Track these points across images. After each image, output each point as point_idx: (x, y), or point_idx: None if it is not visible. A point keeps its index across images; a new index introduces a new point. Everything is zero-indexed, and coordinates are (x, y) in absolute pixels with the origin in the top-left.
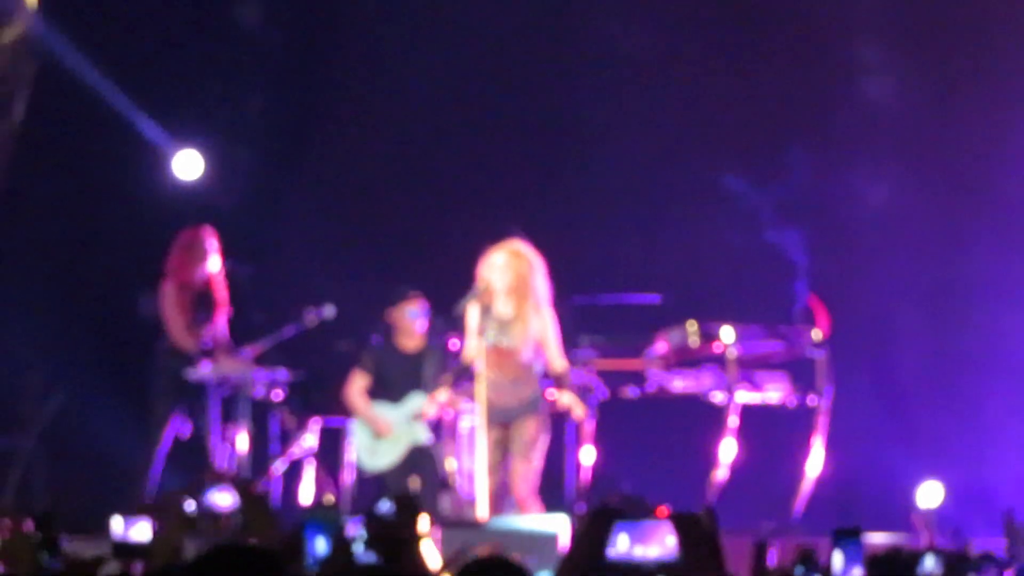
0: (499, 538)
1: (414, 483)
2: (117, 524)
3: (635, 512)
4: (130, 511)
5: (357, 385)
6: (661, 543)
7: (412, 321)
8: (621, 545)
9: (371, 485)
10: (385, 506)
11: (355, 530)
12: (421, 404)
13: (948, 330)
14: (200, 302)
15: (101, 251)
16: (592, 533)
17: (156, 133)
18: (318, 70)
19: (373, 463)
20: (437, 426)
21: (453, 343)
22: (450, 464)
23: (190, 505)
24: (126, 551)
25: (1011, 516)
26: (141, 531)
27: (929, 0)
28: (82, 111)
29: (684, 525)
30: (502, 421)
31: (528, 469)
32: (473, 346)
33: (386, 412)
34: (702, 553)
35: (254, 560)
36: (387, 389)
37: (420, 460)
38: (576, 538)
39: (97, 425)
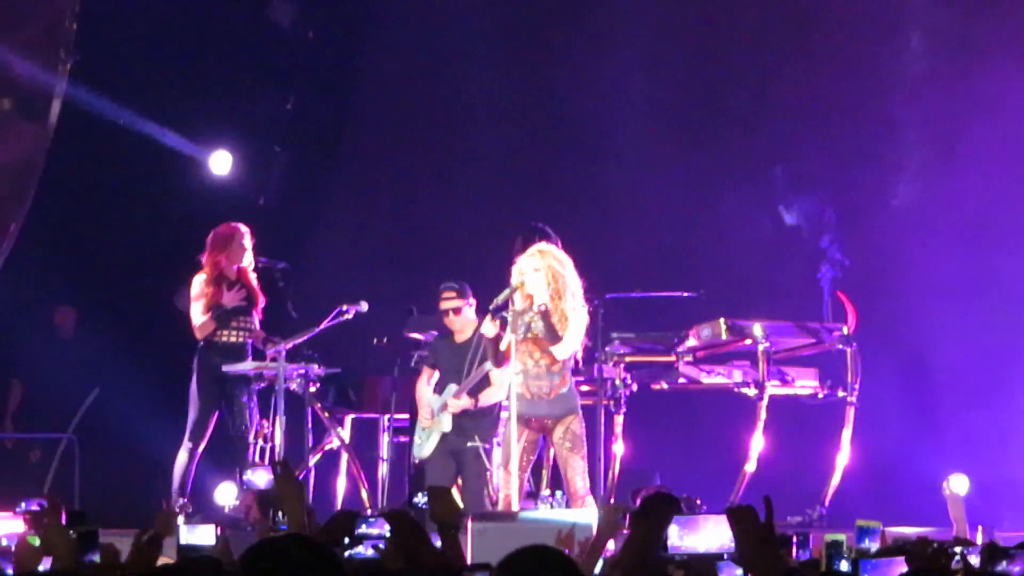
0: (534, 530)
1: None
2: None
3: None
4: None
5: (421, 378)
6: (714, 535)
7: (447, 318)
8: (673, 538)
9: (409, 479)
10: (421, 498)
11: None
12: (449, 394)
13: (975, 323)
14: (234, 296)
15: (137, 247)
16: (650, 525)
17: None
18: (352, 67)
19: (418, 453)
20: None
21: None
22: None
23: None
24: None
25: None
26: (205, 535)
27: None
28: (116, 109)
29: (738, 517)
30: (537, 418)
31: (580, 465)
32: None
33: (433, 402)
34: (758, 544)
35: (305, 551)
36: (442, 379)
37: (460, 449)
38: (633, 530)
39: (133, 420)
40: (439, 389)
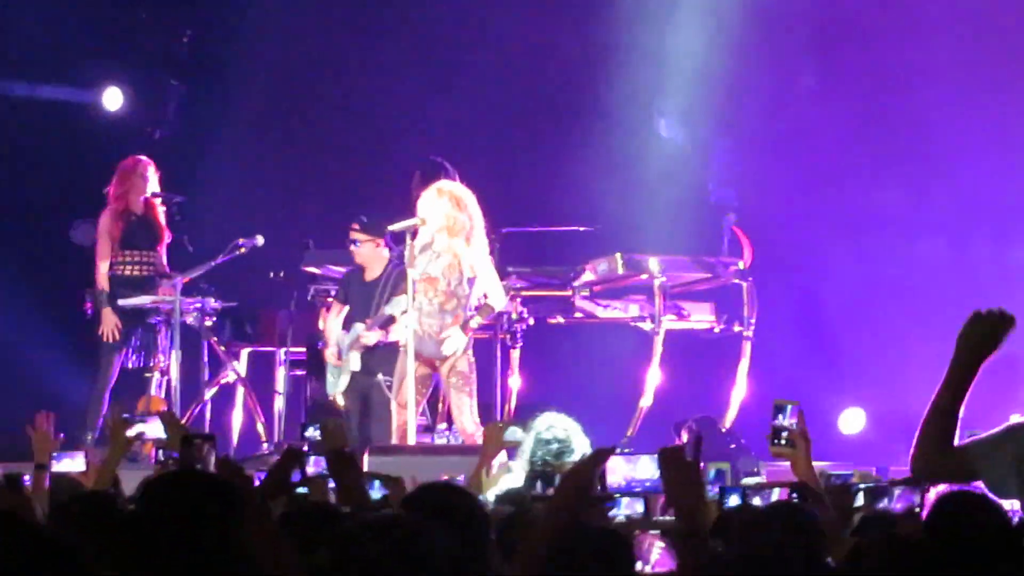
0: (427, 464)
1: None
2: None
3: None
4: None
5: (331, 314)
6: (648, 471)
7: (351, 251)
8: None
9: (305, 412)
10: (313, 432)
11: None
12: (356, 334)
13: (868, 259)
14: (137, 230)
15: (33, 191)
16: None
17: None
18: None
19: (332, 390)
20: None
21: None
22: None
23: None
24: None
25: None
26: (75, 463)
27: None
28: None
29: (666, 456)
30: (427, 356)
31: (468, 403)
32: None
33: (342, 340)
34: (681, 481)
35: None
36: (349, 317)
37: (368, 386)
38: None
39: (34, 356)
40: (347, 326)
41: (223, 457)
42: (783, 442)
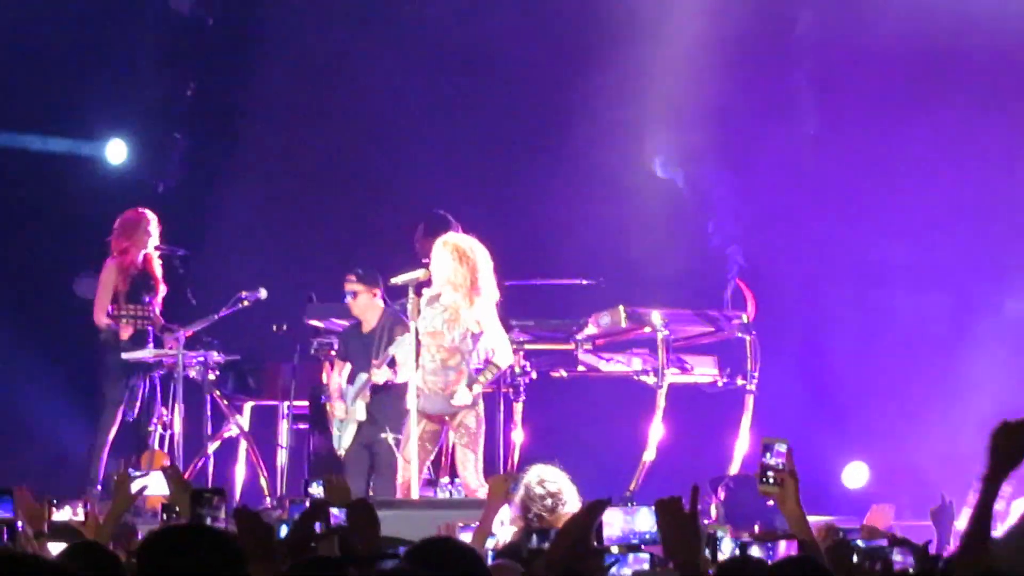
0: (430, 518)
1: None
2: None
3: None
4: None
5: (333, 370)
6: (646, 523)
7: (347, 304)
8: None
9: (308, 466)
10: (316, 488)
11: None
12: (360, 384)
13: (871, 313)
14: (138, 284)
15: (37, 241)
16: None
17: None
18: (251, 53)
19: (341, 445)
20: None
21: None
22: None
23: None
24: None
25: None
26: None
27: None
28: (10, 99)
29: (664, 507)
30: (437, 412)
31: (472, 458)
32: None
33: (347, 393)
34: (680, 532)
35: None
36: (353, 370)
37: (373, 440)
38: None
39: (36, 407)
40: (351, 378)
41: (240, 507)
42: (771, 480)
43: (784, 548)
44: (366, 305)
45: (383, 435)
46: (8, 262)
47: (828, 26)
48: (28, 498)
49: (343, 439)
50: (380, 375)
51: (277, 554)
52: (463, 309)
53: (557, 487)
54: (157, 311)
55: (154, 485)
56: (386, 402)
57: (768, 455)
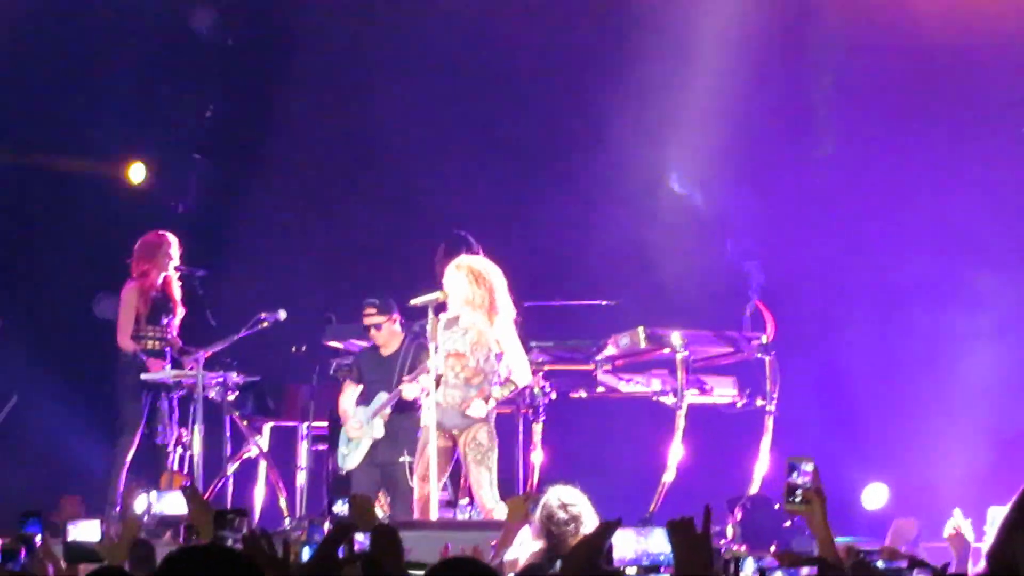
0: (448, 539)
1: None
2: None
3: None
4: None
5: (344, 392)
6: (660, 544)
7: (370, 333)
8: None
9: (327, 487)
10: (341, 507)
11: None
12: (381, 401)
13: (891, 333)
14: (158, 306)
15: (58, 259)
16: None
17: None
18: (271, 74)
19: (345, 464)
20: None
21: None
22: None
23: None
24: (77, 553)
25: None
26: (89, 531)
27: None
28: (33, 116)
29: (676, 528)
30: (448, 429)
31: (489, 476)
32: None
33: (356, 414)
34: (691, 553)
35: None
36: (367, 392)
37: (387, 460)
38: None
39: (52, 427)
40: (365, 400)
41: (250, 532)
42: (798, 499)
43: (806, 573)
44: (389, 333)
45: (401, 458)
46: (28, 281)
47: (848, 45)
48: (76, 506)
49: (350, 457)
50: (411, 390)
51: None
52: (484, 329)
53: (577, 508)
54: (175, 333)
55: (172, 505)
56: (404, 423)
57: (794, 474)
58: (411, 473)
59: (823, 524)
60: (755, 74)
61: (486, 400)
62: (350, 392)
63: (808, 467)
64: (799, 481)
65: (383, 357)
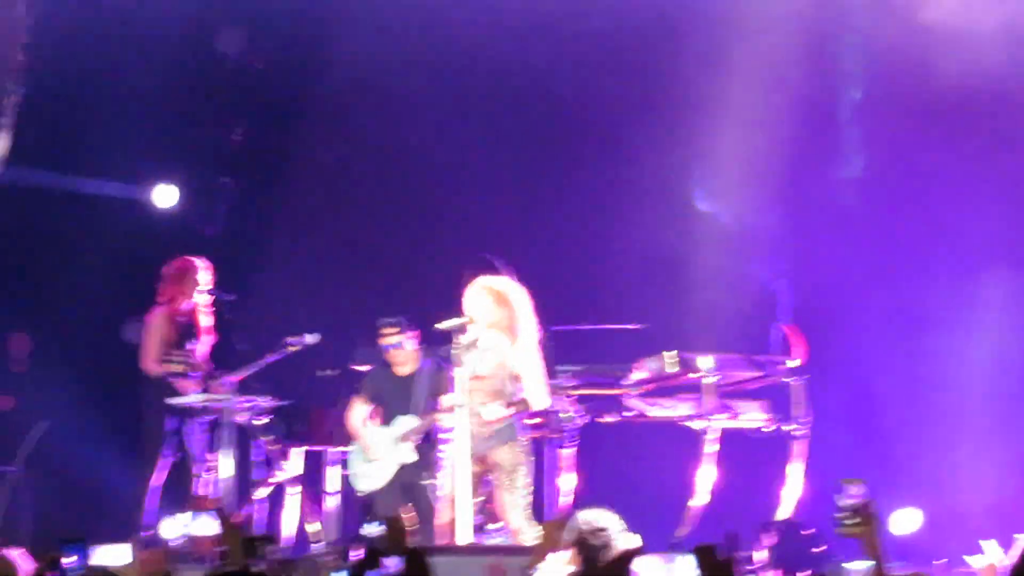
0: (481, 563)
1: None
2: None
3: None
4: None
5: (355, 411)
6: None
7: (390, 353)
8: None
9: (358, 510)
10: (374, 528)
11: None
12: (406, 425)
13: (920, 356)
14: (185, 331)
15: (86, 281)
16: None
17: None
18: (300, 97)
19: (364, 486)
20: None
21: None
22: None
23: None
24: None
25: None
26: (118, 555)
27: None
28: (63, 143)
29: (702, 553)
30: (476, 453)
31: (514, 499)
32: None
33: (376, 435)
34: None
35: None
36: (382, 412)
37: (412, 482)
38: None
39: (82, 452)
40: (385, 422)
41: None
42: (850, 521)
43: None
44: (409, 353)
45: (425, 481)
46: (57, 304)
47: (877, 67)
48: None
49: (368, 479)
50: (497, 411)
51: None
52: (506, 351)
53: (610, 531)
54: (202, 358)
55: (201, 527)
56: (427, 446)
57: (847, 496)
58: (434, 495)
59: (876, 546)
60: (785, 93)
61: (507, 407)
62: (359, 410)
63: (859, 490)
64: (852, 503)
65: (400, 377)
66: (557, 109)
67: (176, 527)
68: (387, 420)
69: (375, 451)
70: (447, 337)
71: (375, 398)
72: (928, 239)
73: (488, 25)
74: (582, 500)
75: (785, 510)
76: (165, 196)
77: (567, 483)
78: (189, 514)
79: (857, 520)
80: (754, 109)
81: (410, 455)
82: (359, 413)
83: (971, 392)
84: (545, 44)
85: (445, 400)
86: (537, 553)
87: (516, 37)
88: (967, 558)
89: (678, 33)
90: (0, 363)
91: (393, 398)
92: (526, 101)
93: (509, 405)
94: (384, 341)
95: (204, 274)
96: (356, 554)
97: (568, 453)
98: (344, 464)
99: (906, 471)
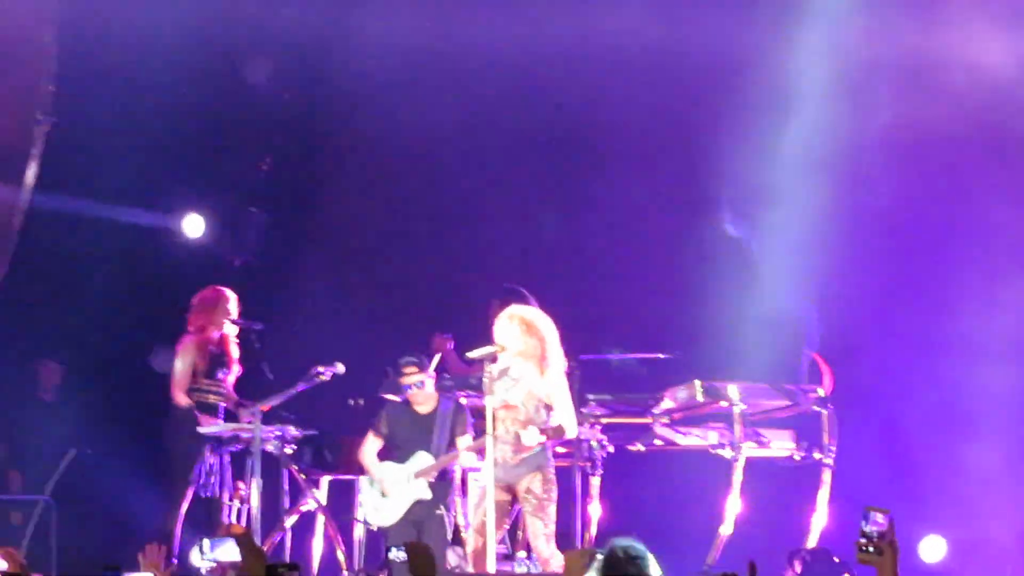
0: None
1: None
2: None
3: None
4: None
5: (368, 445)
6: None
7: (410, 393)
8: None
9: (381, 540)
10: (398, 554)
11: None
12: (424, 463)
13: (949, 385)
14: (214, 361)
15: (115, 311)
16: None
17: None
18: (328, 127)
19: (378, 520)
20: (448, 482)
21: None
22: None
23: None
24: None
25: None
26: None
27: None
28: (92, 173)
29: None
30: (505, 482)
31: (543, 527)
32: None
33: (392, 471)
34: None
35: None
36: (398, 448)
37: (424, 517)
38: None
39: (110, 481)
40: (401, 458)
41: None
42: (871, 549)
43: None
44: (428, 392)
45: (437, 511)
46: (86, 333)
47: (904, 96)
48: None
49: (383, 513)
50: (469, 458)
51: None
52: (535, 381)
53: (640, 560)
54: (231, 388)
55: (226, 552)
56: (441, 484)
57: (869, 523)
58: (450, 525)
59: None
60: (810, 120)
61: (541, 433)
62: (373, 444)
63: (881, 518)
64: (873, 530)
65: (418, 415)
66: (586, 139)
67: (205, 556)
68: (403, 457)
69: (389, 486)
70: (467, 372)
71: (392, 435)
72: (954, 266)
73: (519, 55)
74: (610, 529)
75: (813, 538)
76: (194, 226)
77: (596, 512)
78: (217, 542)
79: (875, 549)
80: (779, 137)
81: (424, 492)
82: (372, 447)
83: (997, 419)
84: (584, 75)
85: (462, 442)
86: None
87: (550, 68)
88: None
89: (705, 65)
90: (30, 391)
91: (411, 435)
92: (559, 131)
93: (543, 432)
94: (405, 380)
95: (234, 304)
96: None
97: (596, 482)
98: None
99: (933, 499)
